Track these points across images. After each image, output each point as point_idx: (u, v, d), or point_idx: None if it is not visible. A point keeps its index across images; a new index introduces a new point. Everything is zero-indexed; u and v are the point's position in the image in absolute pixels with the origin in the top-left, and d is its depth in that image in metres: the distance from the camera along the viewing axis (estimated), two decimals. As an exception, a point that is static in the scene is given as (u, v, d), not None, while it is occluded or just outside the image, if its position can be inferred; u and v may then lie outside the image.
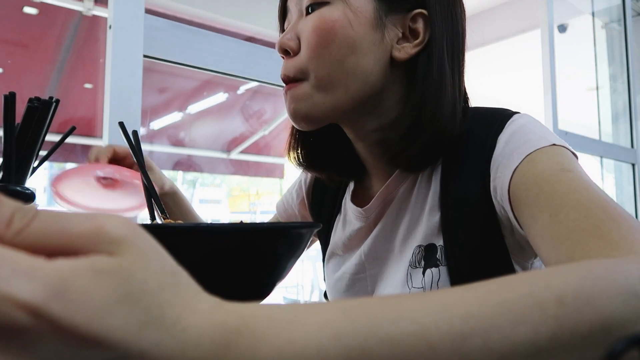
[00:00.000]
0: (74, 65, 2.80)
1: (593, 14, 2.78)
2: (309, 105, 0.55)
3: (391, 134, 0.57)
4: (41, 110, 0.56)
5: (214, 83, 3.63)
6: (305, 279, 5.04)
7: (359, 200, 0.67)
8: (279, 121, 4.14)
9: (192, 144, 4.23)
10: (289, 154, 0.67)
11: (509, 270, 0.55)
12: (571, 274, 0.28)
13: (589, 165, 2.47)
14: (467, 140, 0.57)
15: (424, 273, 0.57)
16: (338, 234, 0.70)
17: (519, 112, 0.57)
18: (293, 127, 0.64)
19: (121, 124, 0.63)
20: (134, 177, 0.55)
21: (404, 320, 0.23)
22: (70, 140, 0.66)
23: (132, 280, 0.20)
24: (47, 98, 0.57)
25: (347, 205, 0.69)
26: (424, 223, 0.58)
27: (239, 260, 0.37)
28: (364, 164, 0.66)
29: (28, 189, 0.54)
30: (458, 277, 0.54)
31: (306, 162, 0.66)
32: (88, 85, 2.92)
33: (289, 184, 0.84)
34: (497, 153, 0.53)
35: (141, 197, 0.54)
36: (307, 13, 0.56)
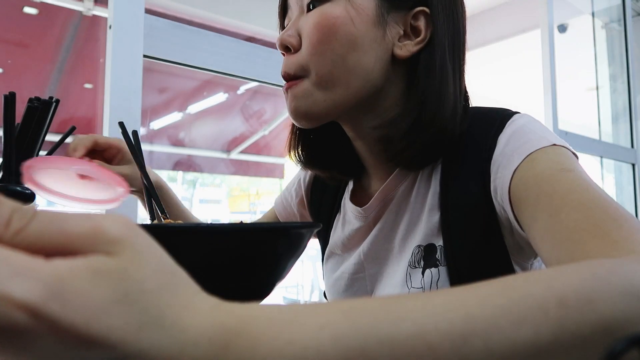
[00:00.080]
0: (74, 65, 2.80)
1: (593, 14, 2.78)
2: (310, 102, 0.55)
3: (391, 132, 0.56)
4: (41, 110, 0.56)
5: (214, 83, 3.63)
6: (305, 279, 5.04)
7: (358, 199, 0.67)
8: (279, 121, 4.14)
9: (192, 144, 4.23)
10: (289, 152, 0.67)
11: (508, 270, 0.55)
12: (572, 275, 0.27)
13: (589, 165, 2.47)
14: (467, 140, 0.56)
15: (423, 273, 0.57)
16: (337, 234, 0.70)
17: (519, 112, 0.57)
18: (293, 125, 0.65)
19: (121, 124, 0.63)
20: (112, 180, 0.52)
21: (404, 321, 0.23)
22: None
23: (131, 280, 0.20)
24: (47, 98, 0.57)
25: (347, 204, 0.69)
26: (423, 223, 0.58)
27: (239, 260, 0.37)
28: (363, 163, 0.66)
29: (28, 189, 0.54)
30: (457, 278, 0.54)
31: (307, 160, 0.66)
32: (88, 85, 2.92)
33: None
34: (497, 153, 0.53)
35: (119, 191, 0.52)
36: (309, 10, 0.56)
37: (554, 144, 0.50)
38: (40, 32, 2.58)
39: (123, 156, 0.70)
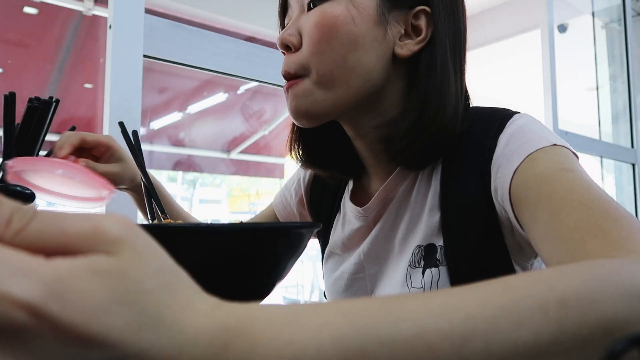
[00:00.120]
0: (74, 65, 2.80)
1: (593, 14, 2.78)
2: (310, 102, 0.55)
3: (392, 131, 0.56)
4: (41, 110, 0.56)
5: (214, 83, 3.63)
6: (305, 279, 5.04)
7: (358, 199, 0.67)
8: (279, 121, 4.14)
9: (192, 144, 4.23)
10: (290, 151, 0.67)
11: (508, 270, 0.55)
12: (573, 275, 0.27)
13: (589, 165, 2.48)
14: (467, 140, 0.56)
15: (423, 273, 0.57)
16: (337, 234, 0.70)
17: (519, 112, 0.57)
18: (294, 125, 0.64)
19: (121, 124, 0.63)
20: (95, 182, 0.51)
21: (404, 322, 0.23)
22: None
23: (130, 280, 0.20)
24: (47, 98, 0.57)
25: (347, 204, 0.69)
26: (423, 223, 0.58)
27: (239, 260, 0.37)
28: (364, 163, 0.66)
29: (28, 189, 0.54)
30: (458, 278, 0.54)
31: (307, 160, 0.66)
32: (88, 85, 2.92)
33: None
34: (498, 153, 0.53)
35: (103, 193, 0.51)
36: (309, 8, 0.56)
37: (555, 144, 0.50)
38: (40, 32, 2.58)
39: (112, 154, 0.68)
